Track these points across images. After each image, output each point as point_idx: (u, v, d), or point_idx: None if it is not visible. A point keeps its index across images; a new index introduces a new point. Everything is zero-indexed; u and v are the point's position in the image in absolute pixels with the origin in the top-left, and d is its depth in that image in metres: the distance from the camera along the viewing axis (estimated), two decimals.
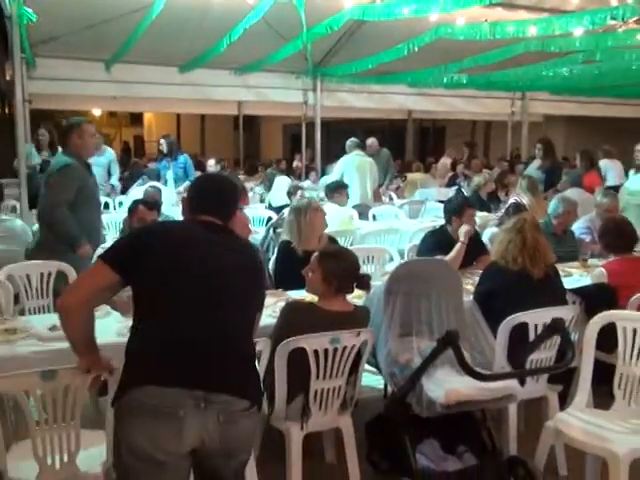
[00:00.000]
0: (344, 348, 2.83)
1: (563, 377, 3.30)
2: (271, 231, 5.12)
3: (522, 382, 2.98)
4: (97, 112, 16.30)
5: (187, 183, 7.85)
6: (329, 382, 2.88)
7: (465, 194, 7.54)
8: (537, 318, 3.13)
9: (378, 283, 3.33)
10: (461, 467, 2.83)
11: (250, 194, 8.26)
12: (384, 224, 6.70)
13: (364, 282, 3.09)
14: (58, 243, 4.17)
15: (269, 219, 6.64)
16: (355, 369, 2.97)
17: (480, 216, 5.56)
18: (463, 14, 6.04)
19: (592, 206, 5.59)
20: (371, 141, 9.00)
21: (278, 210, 6.78)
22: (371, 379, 3.81)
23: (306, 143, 10.83)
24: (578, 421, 2.91)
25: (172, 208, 6.27)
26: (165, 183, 7.92)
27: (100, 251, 3.56)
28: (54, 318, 2.92)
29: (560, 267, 3.83)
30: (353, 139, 7.94)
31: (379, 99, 10.57)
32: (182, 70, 8.63)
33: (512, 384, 2.80)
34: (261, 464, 2.83)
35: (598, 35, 6.20)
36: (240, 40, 6.73)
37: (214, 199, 2.30)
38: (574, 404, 3.04)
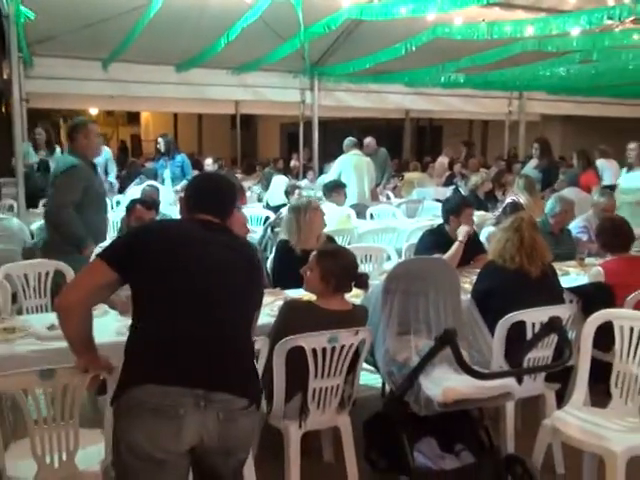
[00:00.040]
0: (342, 347, 2.83)
1: (560, 375, 3.31)
2: (269, 230, 5.12)
3: (519, 380, 2.98)
4: (94, 111, 16.26)
5: (184, 182, 7.84)
6: (327, 381, 2.88)
7: (462, 193, 7.54)
8: (534, 317, 3.13)
9: (376, 282, 3.33)
10: (459, 465, 2.84)
11: (248, 193, 8.27)
12: (382, 223, 6.71)
13: (362, 281, 3.09)
14: (64, 244, 4.17)
15: (267, 218, 6.64)
16: (353, 368, 2.98)
17: (477, 215, 5.56)
18: (460, 14, 6.06)
19: (589, 205, 5.61)
20: (368, 140, 9.00)
21: (276, 209, 6.79)
22: (369, 378, 3.82)
23: (303, 142, 10.84)
24: (575, 419, 2.92)
25: (170, 207, 6.28)
26: (162, 182, 7.91)
27: (98, 250, 3.57)
28: (52, 317, 2.93)
29: (557, 266, 3.85)
30: (351, 138, 7.95)
31: (376, 98, 10.59)
32: (179, 69, 8.63)
33: (510, 382, 2.80)
34: (259, 462, 2.83)
35: (595, 35, 6.22)
36: (237, 39, 6.74)
37: (211, 198, 2.31)
38: (571, 402, 3.05)
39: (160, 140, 8.42)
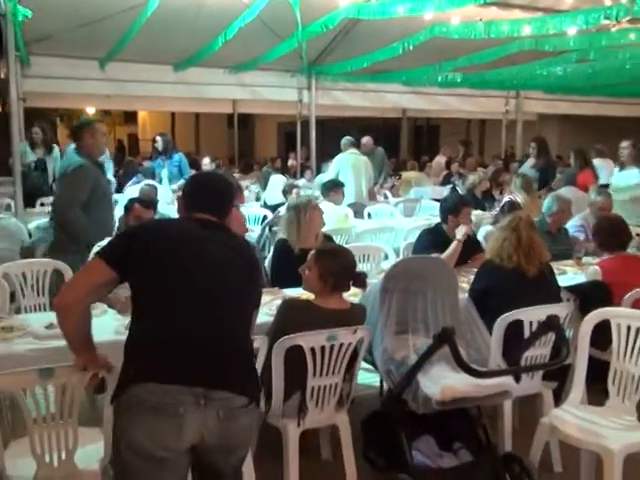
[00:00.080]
0: (341, 345, 2.84)
1: (558, 374, 3.32)
2: (267, 229, 5.13)
3: (517, 379, 3.01)
4: (91, 110, 16.24)
5: (181, 181, 7.85)
6: (326, 379, 2.89)
7: (460, 192, 7.55)
8: (532, 315, 3.14)
9: (374, 281, 3.34)
10: (457, 463, 2.85)
11: (246, 192, 8.27)
12: (379, 222, 6.71)
13: (360, 280, 3.10)
14: (71, 243, 4.17)
15: (264, 217, 6.65)
16: (351, 366, 2.99)
17: (475, 215, 5.58)
18: (458, 13, 6.07)
19: (586, 204, 5.62)
20: (366, 140, 9.00)
21: (273, 208, 6.79)
22: (367, 377, 3.83)
23: (301, 141, 10.84)
24: (573, 417, 2.93)
25: (167, 206, 6.28)
26: (160, 181, 7.91)
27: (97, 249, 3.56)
28: (50, 316, 2.93)
29: (555, 265, 3.86)
30: (348, 137, 7.95)
31: (374, 98, 10.59)
32: (177, 68, 8.63)
33: (507, 381, 2.81)
34: (258, 461, 2.84)
35: (592, 34, 6.23)
36: (235, 38, 6.74)
37: (209, 197, 2.31)
38: (569, 401, 3.06)
39: (158, 139, 8.41)
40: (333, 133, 10.43)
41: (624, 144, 6.44)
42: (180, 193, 2.47)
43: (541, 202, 5.60)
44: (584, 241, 5.17)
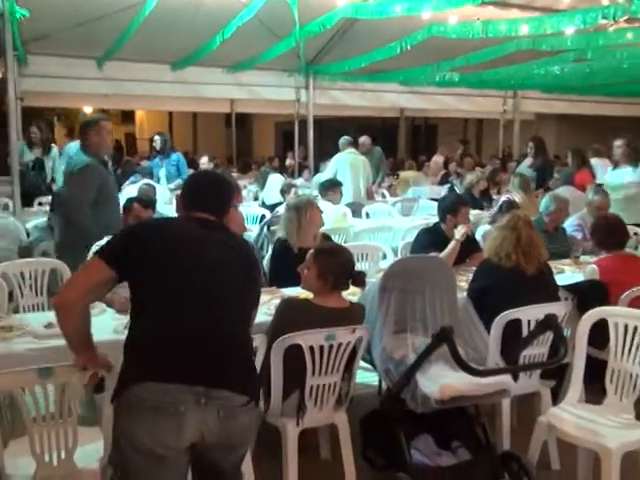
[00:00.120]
0: (339, 344, 2.85)
1: (556, 373, 3.34)
2: (265, 229, 5.13)
3: (515, 377, 3.02)
4: (88, 110, 16.22)
5: (179, 181, 7.85)
6: (325, 378, 2.89)
7: (458, 192, 7.56)
8: (530, 314, 3.15)
9: (373, 280, 3.34)
10: (455, 462, 2.86)
11: (244, 192, 8.27)
12: (377, 222, 6.73)
13: (359, 279, 3.10)
14: (79, 242, 4.16)
15: (262, 217, 6.65)
16: (350, 365, 2.99)
17: (473, 214, 5.59)
18: (455, 13, 6.07)
19: (583, 204, 5.63)
20: (363, 139, 9.00)
21: (271, 208, 6.80)
22: (365, 376, 3.83)
23: (299, 141, 10.84)
24: (571, 416, 2.94)
25: (165, 206, 6.27)
26: (158, 181, 7.91)
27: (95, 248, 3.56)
28: (49, 316, 2.94)
29: (552, 264, 3.87)
30: (346, 137, 7.95)
31: (372, 97, 10.60)
32: (174, 68, 8.62)
33: (506, 379, 2.82)
34: (257, 460, 2.84)
35: (589, 34, 6.25)
36: (233, 38, 6.74)
37: (208, 196, 2.31)
38: (566, 399, 3.08)
39: (157, 138, 8.41)
40: (331, 132, 10.44)
41: (618, 142, 6.45)
42: (179, 192, 2.47)
43: (538, 201, 5.62)
44: (582, 240, 5.19)
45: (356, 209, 7.00)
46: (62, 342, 2.26)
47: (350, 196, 7.32)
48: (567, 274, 4.30)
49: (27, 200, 6.65)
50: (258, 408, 2.28)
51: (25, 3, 5.66)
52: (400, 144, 14.35)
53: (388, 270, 3.16)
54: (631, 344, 2.96)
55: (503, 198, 6.18)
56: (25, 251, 4.96)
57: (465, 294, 3.51)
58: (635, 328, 2.95)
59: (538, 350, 3.26)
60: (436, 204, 5.18)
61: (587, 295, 3.59)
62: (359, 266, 4.41)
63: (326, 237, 4.34)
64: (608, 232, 4.11)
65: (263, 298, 2.85)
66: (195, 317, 2.05)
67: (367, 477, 3.06)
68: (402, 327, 3.02)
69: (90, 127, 4.42)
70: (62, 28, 6.80)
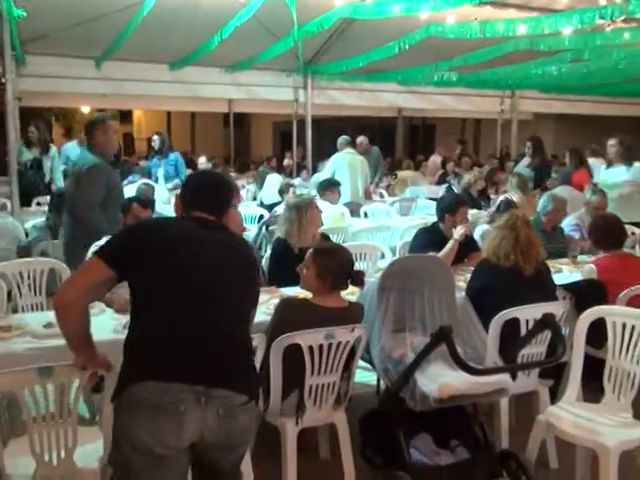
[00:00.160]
0: (338, 344, 2.85)
1: (554, 372, 3.35)
2: (263, 229, 5.14)
3: (514, 376, 3.02)
4: (86, 109, 16.21)
5: (177, 181, 7.86)
6: (324, 378, 2.90)
7: (455, 192, 7.58)
8: (528, 313, 3.16)
9: (371, 280, 3.35)
10: (454, 461, 2.86)
11: (243, 192, 8.27)
12: (375, 221, 6.74)
13: (358, 278, 3.11)
14: (89, 241, 4.16)
15: (261, 217, 6.65)
16: (349, 365, 3.00)
17: (471, 214, 5.60)
18: (453, 13, 6.08)
19: (581, 203, 5.65)
20: (361, 139, 9.02)
21: (270, 208, 6.80)
22: (364, 375, 3.85)
23: (297, 141, 10.84)
24: (569, 414, 2.95)
25: (164, 206, 6.27)
26: (156, 181, 7.91)
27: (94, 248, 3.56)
28: (48, 316, 2.94)
29: (550, 263, 3.88)
30: (345, 137, 7.97)
31: (370, 97, 10.61)
32: (172, 68, 8.62)
33: (504, 378, 2.83)
34: (256, 459, 2.84)
35: (586, 34, 6.26)
36: (231, 38, 6.74)
37: (208, 195, 2.32)
38: (565, 398, 3.09)
39: (155, 138, 8.41)
40: (329, 132, 10.47)
41: (611, 142, 6.46)
42: (177, 192, 2.47)
43: (536, 201, 5.63)
44: (579, 240, 5.20)
45: (354, 209, 7.01)
46: (61, 342, 2.27)
47: (348, 196, 7.33)
48: (565, 273, 4.31)
49: (25, 200, 6.65)
50: (257, 407, 2.28)
51: (23, 3, 5.65)
52: (398, 144, 14.34)
53: (387, 270, 3.16)
54: (629, 343, 2.97)
55: (501, 198, 6.21)
56: (24, 251, 4.95)
57: (464, 293, 3.52)
58: (633, 327, 2.96)
59: (536, 349, 3.27)
60: (434, 204, 5.19)
61: (585, 294, 3.60)
62: (358, 266, 4.41)
63: (325, 237, 4.35)
64: (606, 232, 4.12)
65: (262, 298, 2.86)
66: (195, 317, 2.06)
67: (366, 476, 3.06)
68: (401, 326, 3.03)
69: (96, 126, 4.39)
70: (60, 28, 6.79)
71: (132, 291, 2.14)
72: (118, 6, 6.34)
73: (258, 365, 2.73)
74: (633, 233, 5.46)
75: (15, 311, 3.83)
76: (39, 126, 7.64)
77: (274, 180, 8.25)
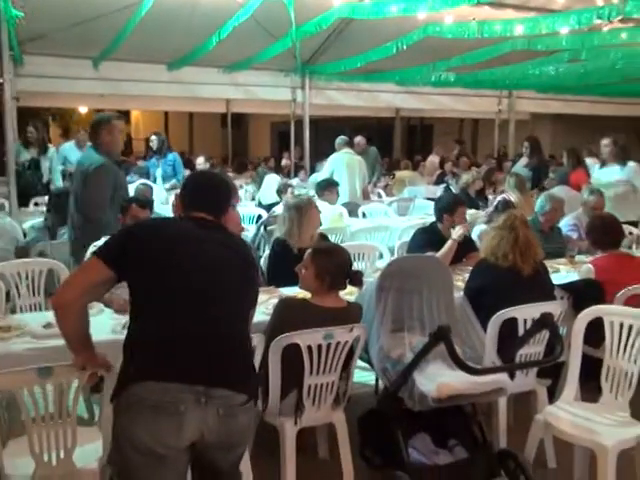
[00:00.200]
0: (337, 344, 2.86)
1: (552, 371, 3.35)
2: (262, 229, 5.14)
3: (512, 376, 3.03)
4: (83, 110, 16.20)
5: (174, 181, 7.87)
6: (322, 378, 2.90)
7: (453, 192, 7.59)
8: (526, 313, 3.17)
9: (370, 280, 3.36)
10: (452, 460, 2.87)
11: (241, 192, 8.28)
12: (374, 221, 6.75)
13: (356, 278, 3.12)
14: (97, 240, 4.16)
15: (259, 217, 6.66)
16: (348, 365, 3.00)
17: (469, 214, 5.61)
18: (451, 13, 6.08)
19: (579, 203, 5.66)
20: (359, 139, 9.03)
21: (268, 208, 6.80)
22: (362, 375, 3.85)
23: (294, 141, 10.85)
24: (567, 414, 2.96)
25: (162, 206, 6.27)
26: (154, 181, 7.91)
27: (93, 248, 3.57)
28: (47, 316, 2.94)
29: (548, 263, 3.88)
30: (343, 137, 7.97)
31: (367, 97, 10.62)
32: (170, 68, 8.62)
33: (502, 378, 2.83)
34: (255, 459, 2.84)
35: (584, 34, 6.27)
36: (229, 38, 6.74)
37: (207, 195, 2.32)
38: (562, 397, 3.10)
39: (154, 138, 8.40)
40: (327, 132, 10.46)
41: (605, 141, 6.47)
42: (175, 192, 2.48)
43: (534, 201, 5.64)
44: (577, 240, 5.21)
45: (352, 209, 7.02)
46: (61, 342, 2.27)
47: (346, 196, 7.33)
48: (562, 273, 4.32)
49: (23, 200, 6.66)
50: (256, 407, 2.29)
51: (21, 3, 5.65)
52: (396, 144, 14.35)
53: (385, 270, 3.17)
54: (626, 342, 2.98)
55: (499, 198, 6.21)
56: (22, 251, 4.96)
57: (462, 293, 3.53)
58: (630, 327, 2.97)
59: (534, 349, 3.28)
60: (432, 204, 5.20)
61: (583, 294, 3.61)
62: (356, 266, 4.42)
63: (323, 237, 4.35)
64: (604, 232, 4.13)
65: (261, 298, 2.85)
66: (193, 317, 2.06)
67: (365, 476, 3.07)
68: (399, 326, 3.03)
69: (102, 126, 4.37)
70: (58, 28, 6.79)
71: (131, 291, 2.14)
72: (116, 6, 6.34)
73: (257, 365, 2.73)
74: (630, 233, 5.48)
75: (14, 312, 3.83)
76: (38, 126, 7.65)
77: (272, 180, 8.26)
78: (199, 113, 17.95)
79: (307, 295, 3.12)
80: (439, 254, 4.23)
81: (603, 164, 6.54)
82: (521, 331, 3.17)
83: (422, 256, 3.78)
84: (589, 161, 7.64)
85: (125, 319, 2.61)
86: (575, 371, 3.09)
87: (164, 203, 6.65)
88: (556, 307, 3.33)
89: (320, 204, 5.76)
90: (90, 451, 2.48)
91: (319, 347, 2.82)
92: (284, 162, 12.40)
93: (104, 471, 2.41)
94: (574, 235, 5.32)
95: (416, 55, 7.50)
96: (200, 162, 9.74)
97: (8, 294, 3.91)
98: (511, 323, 3.19)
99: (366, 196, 8.01)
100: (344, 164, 7.58)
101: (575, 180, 6.87)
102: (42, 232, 5.26)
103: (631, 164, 6.31)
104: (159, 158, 8.22)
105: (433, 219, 4.75)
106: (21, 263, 4.11)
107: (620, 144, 6.42)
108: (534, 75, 8.71)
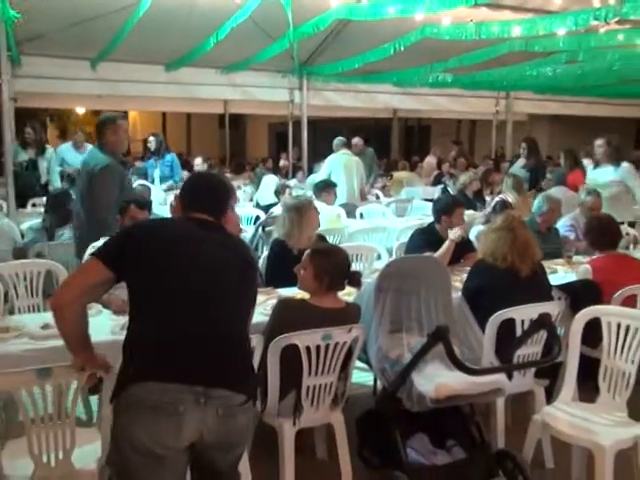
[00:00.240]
0: (336, 344, 2.86)
1: (549, 372, 3.36)
2: (260, 230, 5.14)
3: (510, 376, 3.04)
4: (81, 110, 16.19)
5: (170, 182, 7.87)
6: (321, 378, 2.91)
7: (451, 192, 7.60)
8: (524, 314, 3.18)
9: (368, 280, 3.36)
10: (450, 461, 2.88)
11: (239, 193, 8.28)
12: (371, 222, 6.75)
13: (355, 279, 3.12)
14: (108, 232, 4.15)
15: (257, 218, 6.66)
16: (346, 365, 3.01)
17: (467, 214, 5.61)
18: (449, 14, 6.09)
19: (576, 204, 5.67)
20: (356, 140, 9.04)
21: (266, 209, 6.80)
22: (360, 376, 3.85)
23: (292, 142, 10.85)
24: (564, 414, 2.97)
25: (160, 207, 6.27)
26: (152, 182, 7.91)
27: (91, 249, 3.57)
28: (45, 317, 2.94)
29: (546, 264, 3.89)
30: (340, 138, 7.97)
31: (365, 98, 10.63)
32: (168, 68, 8.62)
33: (500, 378, 2.84)
34: (254, 460, 2.84)
35: (581, 36, 6.28)
36: (227, 39, 6.74)
37: (207, 196, 2.33)
38: (560, 398, 3.10)
39: (151, 139, 8.40)
40: (325, 133, 10.46)
41: (599, 142, 6.47)
42: (173, 193, 2.48)
43: (531, 202, 5.65)
44: (574, 240, 5.22)
45: (350, 210, 7.02)
46: (59, 343, 2.27)
47: (344, 197, 7.34)
48: (560, 274, 4.34)
49: (21, 201, 6.65)
50: (255, 408, 2.29)
51: (19, 3, 5.65)
52: (393, 145, 14.38)
53: (383, 270, 3.17)
54: (623, 343, 2.99)
55: (496, 199, 6.23)
56: (20, 252, 4.95)
57: (460, 294, 3.53)
58: (628, 327, 2.98)
59: (532, 349, 3.29)
60: (430, 205, 5.21)
61: (580, 294, 3.62)
62: (354, 267, 4.43)
63: (321, 238, 4.35)
64: (601, 232, 4.14)
65: (259, 298, 2.85)
66: (192, 317, 2.07)
67: (363, 476, 3.07)
68: (398, 327, 3.04)
69: (107, 126, 4.36)
70: (56, 29, 6.79)
71: (130, 292, 2.15)
72: (114, 7, 6.34)
73: (256, 366, 2.74)
74: (627, 233, 5.49)
75: (12, 313, 3.82)
76: (35, 127, 7.64)
77: (270, 181, 8.26)
78: (197, 114, 17.96)
79: (306, 296, 3.12)
80: (437, 255, 4.24)
81: (597, 165, 6.55)
82: (519, 331, 3.18)
83: (420, 257, 3.79)
84: (586, 162, 7.66)
85: (124, 320, 2.61)
86: (573, 371, 3.10)
87: (162, 204, 6.65)
88: (554, 307, 3.33)
89: (318, 205, 5.77)
90: (89, 452, 2.48)
91: (317, 348, 2.82)
92: (282, 163, 12.41)
93: (103, 472, 2.40)
94: (571, 236, 5.33)
95: (414, 56, 7.50)
96: (198, 163, 9.75)
97: (6, 295, 3.91)
98: (509, 323, 3.19)
99: (363, 197, 8.01)
100: (342, 165, 7.58)
101: (572, 181, 6.89)
102: (40, 233, 5.24)
103: (624, 165, 6.31)
104: (157, 159, 8.22)
105: (431, 220, 4.76)
106: (19, 264, 4.10)
107: (614, 144, 6.42)
108: (531, 76, 8.73)
